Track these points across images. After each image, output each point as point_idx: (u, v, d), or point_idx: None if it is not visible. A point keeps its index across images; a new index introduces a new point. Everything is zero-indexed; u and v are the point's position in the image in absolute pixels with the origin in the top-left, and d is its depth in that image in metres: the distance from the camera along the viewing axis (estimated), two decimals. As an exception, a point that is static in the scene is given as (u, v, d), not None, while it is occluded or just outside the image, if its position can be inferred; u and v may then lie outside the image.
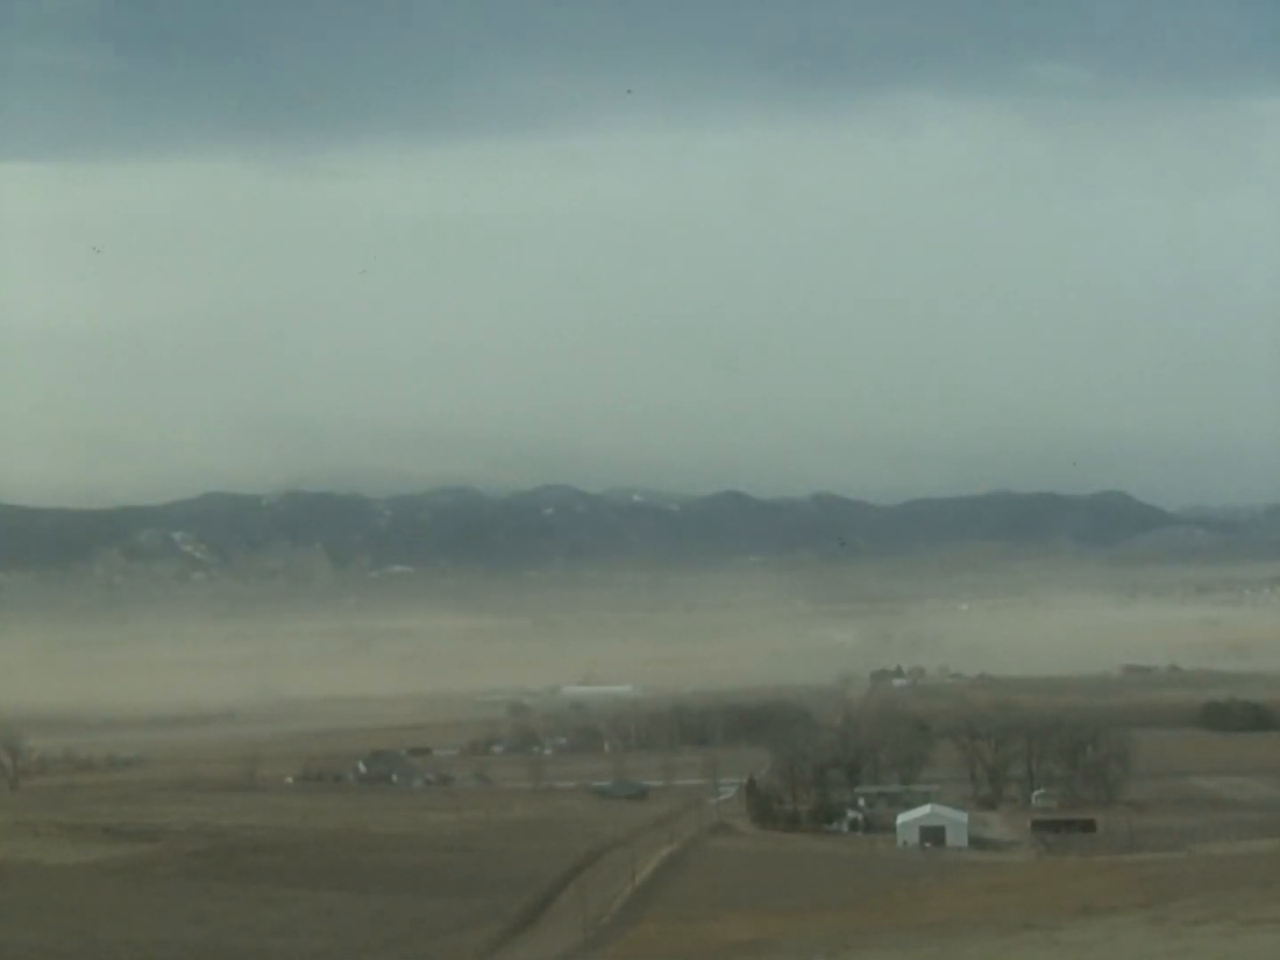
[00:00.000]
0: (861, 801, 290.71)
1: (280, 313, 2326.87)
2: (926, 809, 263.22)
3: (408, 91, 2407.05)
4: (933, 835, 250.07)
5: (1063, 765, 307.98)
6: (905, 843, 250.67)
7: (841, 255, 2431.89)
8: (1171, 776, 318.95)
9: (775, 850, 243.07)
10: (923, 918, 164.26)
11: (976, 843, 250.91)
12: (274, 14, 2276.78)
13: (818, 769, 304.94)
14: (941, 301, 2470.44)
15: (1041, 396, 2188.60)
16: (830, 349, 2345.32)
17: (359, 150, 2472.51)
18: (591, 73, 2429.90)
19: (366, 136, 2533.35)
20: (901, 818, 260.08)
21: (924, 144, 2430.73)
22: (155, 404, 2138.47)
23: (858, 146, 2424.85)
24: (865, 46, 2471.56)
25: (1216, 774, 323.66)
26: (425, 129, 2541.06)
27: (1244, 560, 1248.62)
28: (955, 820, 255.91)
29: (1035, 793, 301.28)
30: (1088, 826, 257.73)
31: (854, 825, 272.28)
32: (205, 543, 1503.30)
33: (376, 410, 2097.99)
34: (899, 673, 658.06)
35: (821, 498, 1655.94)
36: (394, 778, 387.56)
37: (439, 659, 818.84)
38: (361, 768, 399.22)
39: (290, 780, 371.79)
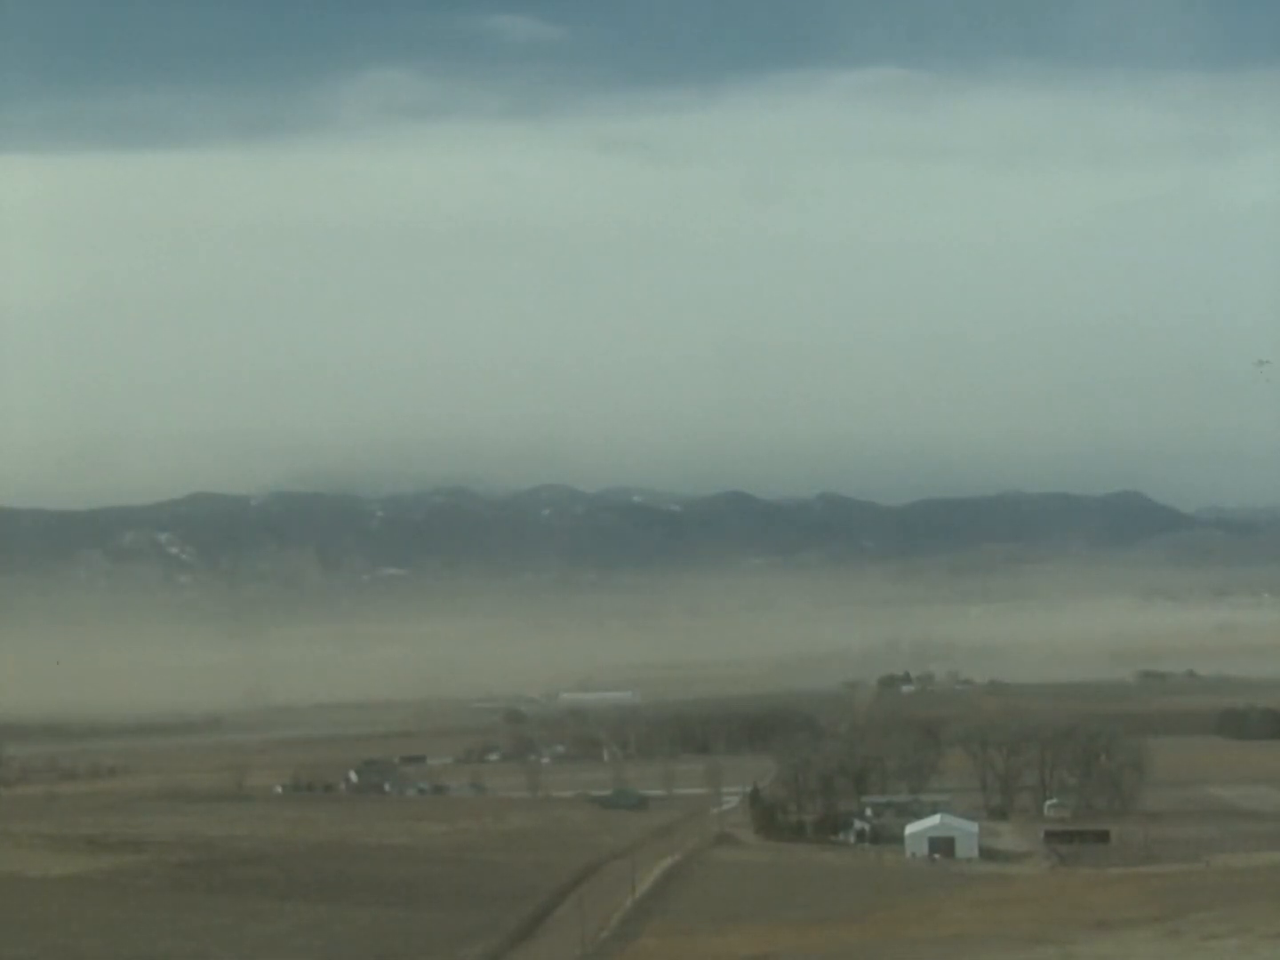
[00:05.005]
0: (869, 811, 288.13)
1: (271, 309, 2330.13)
2: (936, 819, 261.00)
3: (408, 90, 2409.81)
4: (942, 846, 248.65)
5: (1076, 774, 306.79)
6: (914, 854, 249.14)
7: (846, 253, 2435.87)
8: (1188, 786, 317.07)
9: (779, 862, 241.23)
10: (932, 931, 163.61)
11: (987, 854, 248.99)
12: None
13: (823, 778, 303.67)
14: (950, 298, 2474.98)
15: (1054, 394, 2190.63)
16: (836, 346, 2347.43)
17: (358, 144, 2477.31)
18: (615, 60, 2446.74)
19: (369, 130, 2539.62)
20: (910, 828, 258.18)
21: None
22: (140, 401, 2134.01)
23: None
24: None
25: (1234, 783, 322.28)
26: (422, 125, 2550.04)
27: (1263, 562, 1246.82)
28: (965, 831, 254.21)
29: (1048, 802, 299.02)
30: (1102, 837, 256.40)
31: (861, 836, 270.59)
32: (191, 544, 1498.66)
33: (369, 408, 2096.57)
34: (907, 679, 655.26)
35: (827, 498, 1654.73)
36: (387, 787, 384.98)
37: (433, 664, 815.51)
38: (353, 777, 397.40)
39: (279, 789, 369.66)
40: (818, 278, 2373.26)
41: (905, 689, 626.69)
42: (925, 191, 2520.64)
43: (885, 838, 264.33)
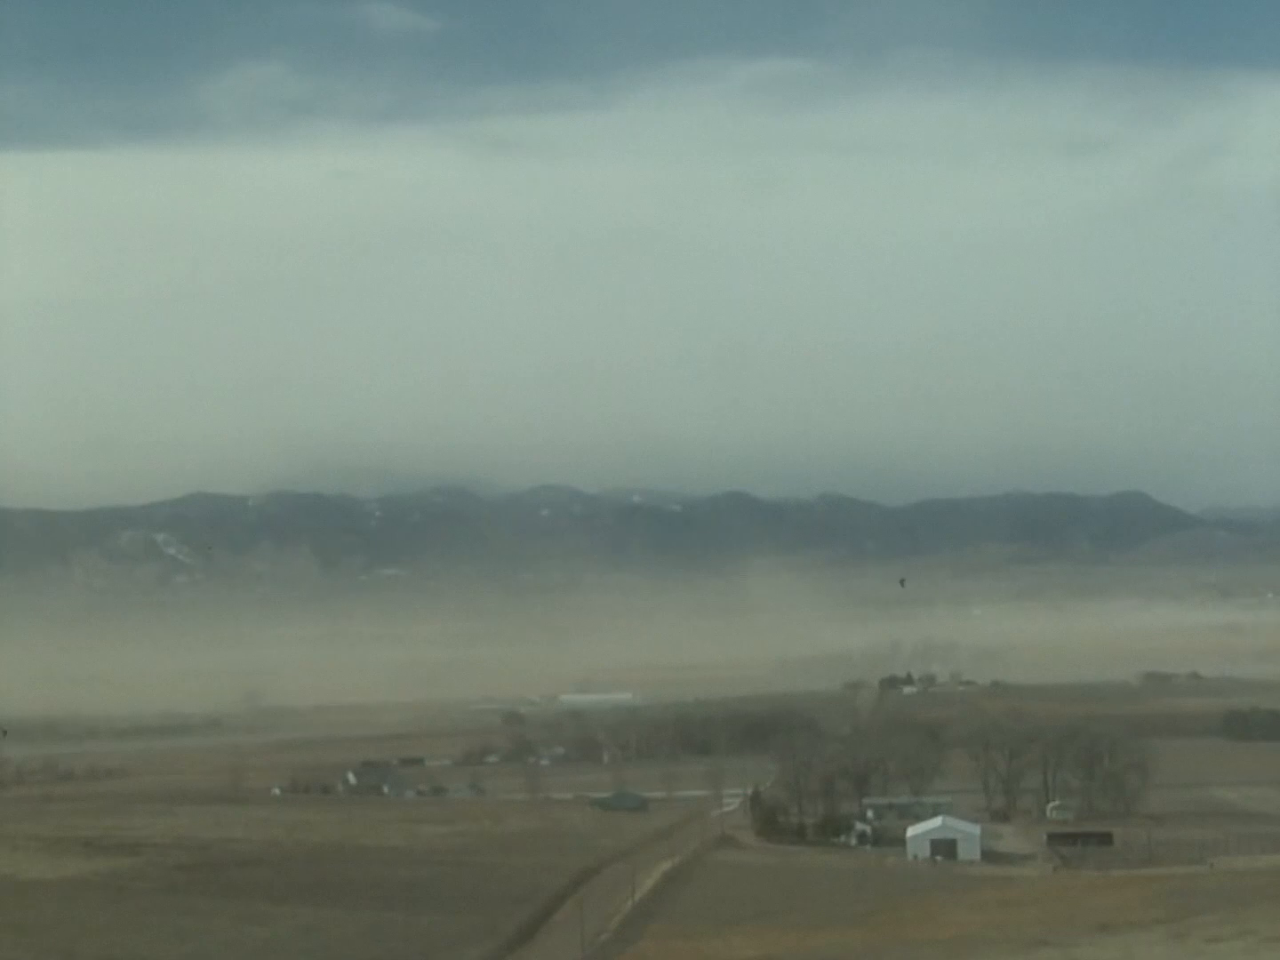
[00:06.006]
0: (870, 813, 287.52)
1: (269, 306, 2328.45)
2: (938, 821, 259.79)
3: (282, 85, 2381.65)
4: (944, 848, 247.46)
5: (1079, 776, 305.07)
6: (916, 856, 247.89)
7: (849, 251, 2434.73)
8: (1192, 788, 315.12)
9: (781, 864, 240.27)
10: (934, 934, 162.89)
11: (990, 856, 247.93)
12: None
13: (825, 780, 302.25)
14: (953, 298, 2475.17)
15: (1057, 393, 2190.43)
16: (837, 344, 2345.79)
17: (362, 149, 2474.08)
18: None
19: (246, 129, 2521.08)
20: (912, 830, 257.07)
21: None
22: (137, 400, 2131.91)
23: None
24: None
25: (1238, 785, 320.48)
26: (301, 122, 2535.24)
27: (1267, 563, 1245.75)
28: (967, 833, 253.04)
29: (1050, 804, 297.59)
30: (1105, 839, 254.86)
31: (862, 838, 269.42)
32: (189, 545, 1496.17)
33: (367, 407, 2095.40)
34: (909, 680, 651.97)
35: (829, 498, 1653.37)
36: (385, 789, 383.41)
37: (431, 665, 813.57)
38: (351, 779, 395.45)
39: (277, 791, 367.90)
40: (816, 277, 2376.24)
41: (907, 690, 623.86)
42: (890, 186, 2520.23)
43: (887, 840, 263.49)
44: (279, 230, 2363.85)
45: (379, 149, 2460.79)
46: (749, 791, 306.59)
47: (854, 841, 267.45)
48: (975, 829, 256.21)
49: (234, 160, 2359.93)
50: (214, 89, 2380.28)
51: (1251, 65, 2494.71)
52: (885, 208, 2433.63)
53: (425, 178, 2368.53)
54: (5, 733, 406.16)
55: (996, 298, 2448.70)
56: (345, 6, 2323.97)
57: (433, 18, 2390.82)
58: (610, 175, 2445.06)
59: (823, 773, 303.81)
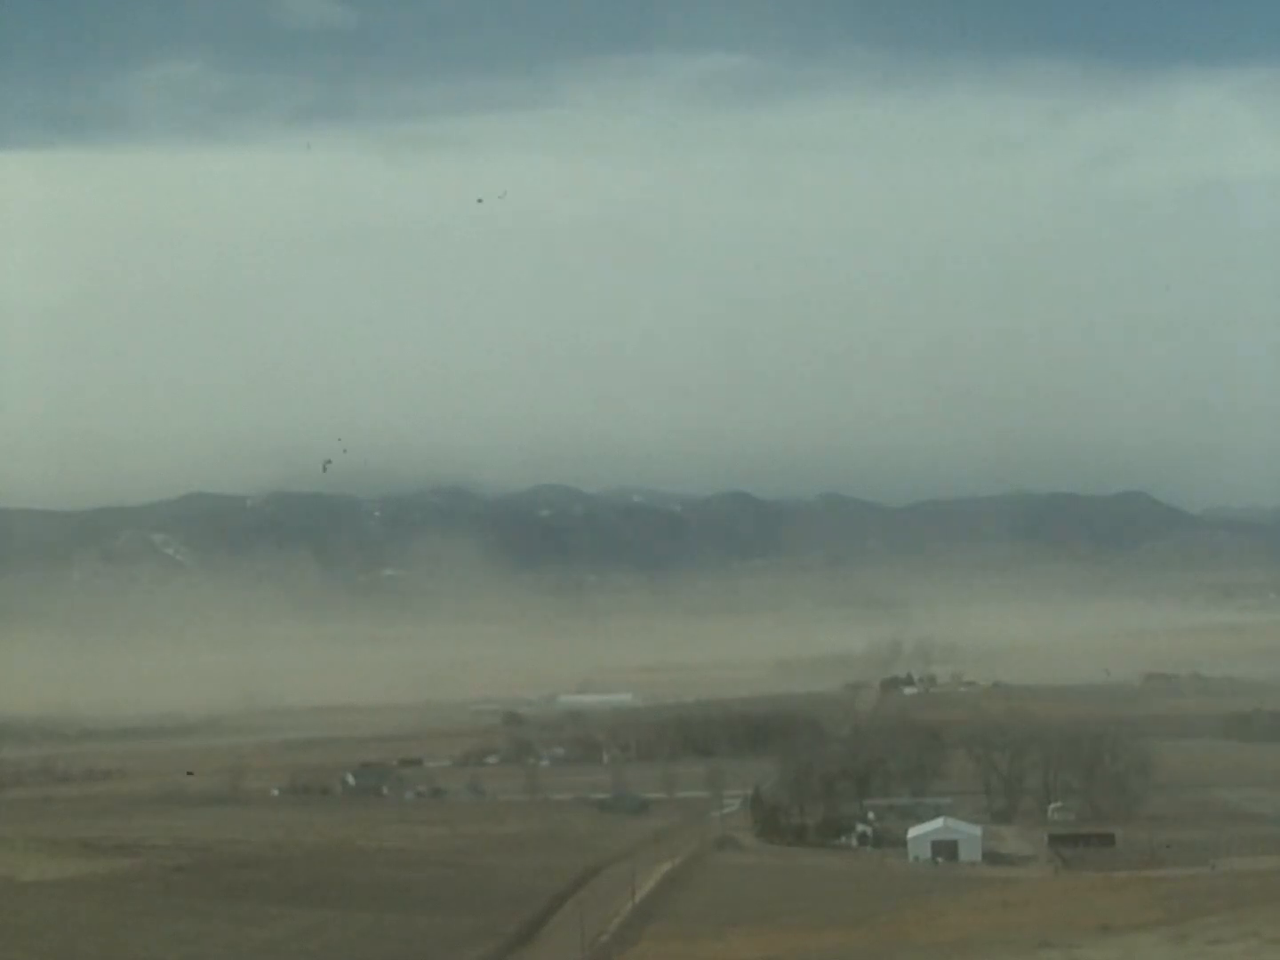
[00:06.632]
0: (871, 815, 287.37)
1: (268, 306, 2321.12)
2: (939, 822, 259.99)
3: (205, 83, 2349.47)
4: (945, 850, 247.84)
5: (1080, 777, 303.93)
6: (916, 857, 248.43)
7: (848, 249, 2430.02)
8: (1194, 789, 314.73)
9: (781, 865, 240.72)
10: (935, 936, 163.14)
11: (991, 857, 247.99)
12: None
13: (825, 781, 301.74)
14: (954, 296, 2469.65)
15: (1059, 393, 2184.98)
16: (838, 344, 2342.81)
17: (288, 148, 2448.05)
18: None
19: (174, 130, 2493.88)
20: (912, 831, 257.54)
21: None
22: (135, 399, 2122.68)
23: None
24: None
25: (1241, 786, 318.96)
26: (229, 122, 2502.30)
27: (1269, 563, 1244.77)
28: (968, 834, 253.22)
29: (1052, 805, 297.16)
30: (1106, 841, 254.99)
31: (863, 839, 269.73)
32: (187, 545, 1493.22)
33: (367, 407, 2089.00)
34: (910, 681, 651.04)
35: (829, 498, 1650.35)
36: (384, 790, 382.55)
37: (431, 666, 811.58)
38: (350, 780, 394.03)
39: (276, 793, 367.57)
40: (814, 276, 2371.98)
41: (908, 691, 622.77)
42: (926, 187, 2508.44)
43: (888, 841, 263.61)
44: (237, 229, 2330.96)
45: (306, 147, 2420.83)
46: (749, 792, 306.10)
47: (855, 843, 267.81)
48: (976, 830, 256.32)
49: (159, 159, 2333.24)
50: (134, 87, 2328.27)
51: (1171, 63, 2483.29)
52: (848, 207, 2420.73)
53: (354, 176, 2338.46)
54: None
55: (992, 297, 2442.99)
56: (265, 1, 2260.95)
57: (356, 12, 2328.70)
58: (552, 173, 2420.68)
59: (823, 774, 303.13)
